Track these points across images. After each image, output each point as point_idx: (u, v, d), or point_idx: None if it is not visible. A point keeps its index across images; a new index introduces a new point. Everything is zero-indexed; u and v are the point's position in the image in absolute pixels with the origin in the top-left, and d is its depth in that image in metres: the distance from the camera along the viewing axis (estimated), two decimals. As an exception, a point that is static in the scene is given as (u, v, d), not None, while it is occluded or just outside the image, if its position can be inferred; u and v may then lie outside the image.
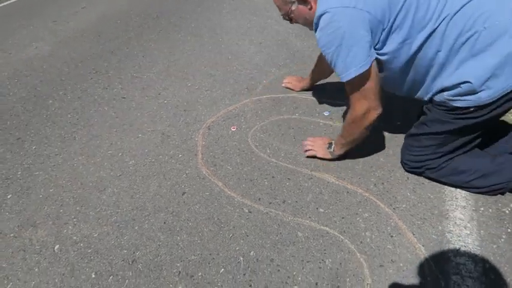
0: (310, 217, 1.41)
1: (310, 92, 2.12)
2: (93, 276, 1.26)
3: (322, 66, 1.90)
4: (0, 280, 1.26)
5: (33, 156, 1.79)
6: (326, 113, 1.95)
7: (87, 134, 1.91)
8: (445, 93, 1.31)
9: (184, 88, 2.24)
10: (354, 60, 1.24)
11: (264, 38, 2.80)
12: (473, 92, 1.22)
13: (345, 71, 1.27)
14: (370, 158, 1.66)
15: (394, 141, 1.74)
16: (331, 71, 1.65)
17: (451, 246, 1.29)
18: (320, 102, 2.04)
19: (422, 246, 1.29)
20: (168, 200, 1.52)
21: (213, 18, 3.21)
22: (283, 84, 2.17)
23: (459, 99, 1.26)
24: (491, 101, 1.21)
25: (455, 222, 1.37)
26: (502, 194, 1.46)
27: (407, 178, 1.55)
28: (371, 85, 1.30)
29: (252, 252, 1.30)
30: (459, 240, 1.31)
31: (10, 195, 1.59)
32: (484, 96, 1.21)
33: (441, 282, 1.18)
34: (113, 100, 2.17)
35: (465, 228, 1.35)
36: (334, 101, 2.03)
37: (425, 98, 1.42)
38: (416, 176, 1.56)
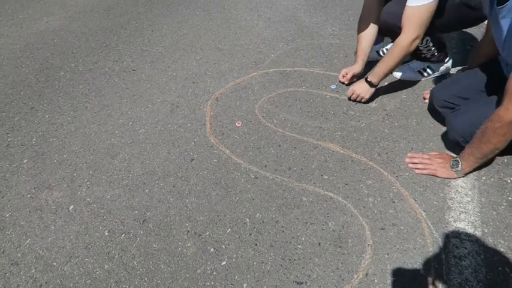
0: (314, 183, 1.45)
1: (318, 66, 2.13)
2: (106, 233, 1.32)
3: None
4: (19, 236, 1.33)
5: (47, 124, 1.84)
6: (333, 86, 1.96)
7: (99, 104, 1.96)
8: None
9: (193, 61, 2.26)
10: None
11: (273, 13, 2.79)
12: None
13: None
14: (375, 129, 1.68)
15: (400, 113, 1.76)
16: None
17: (452, 212, 1.32)
18: (327, 76, 2.05)
19: (424, 211, 1.33)
20: (177, 165, 1.57)
21: (221, -7, 3.20)
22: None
23: None
24: None
25: (457, 190, 1.40)
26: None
27: (411, 149, 1.58)
28: None
29: (257, 215, 1.35)
30: (460, 206, 1.34)
31: (26, 160, 1.65)
32: None
33: (440, 244, 1.22)
34: (123, 72, 2.21)
35: (466, 195, 1.38)
36: (338, 74, 2.03)
37: None
38: (420, 147, 1.58)
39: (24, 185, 1.53)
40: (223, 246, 1.26)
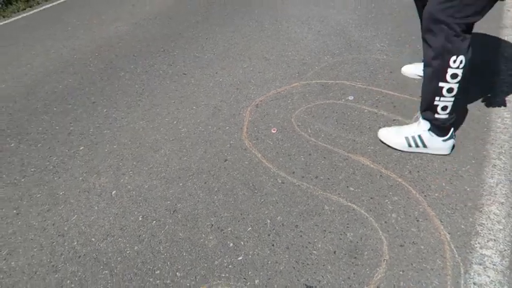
0: (339, 193, 1.48)
1: (360, 80, 2.14)
2: (140, 219, 1.46)
3: None
4: (68, 212, 1.52)
5: (104, 117, 2.06)
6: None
7: (150, 103, 2.14)
8: None
9: (240, 69, 2.38)
10: None
11: (323, 27, 2.84)
12: None
13: None
14: (410, 147, 1.66)
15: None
16: None
17: (479, 239, 1.27)
18: (368, 91, 2.05)
19: (448, 233, 1.29)
20: (211, 164, 1.67)
21: (276, 6, 3.32)
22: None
23: None
24: None
25: (489, 217, 1.34)
26: None
27: (445, 169, 1.54)
28: None
29: (279, 217, 1.40)
30: (489, 233, 1.28)
31: (82, 147, 1.86)
32: None
33: (461, 269, 1.18)
34: (175, 76, 2.39)
35: (498, 223, 1.31)
36: (380, 90, 2.03)
37: None
38: (455, 169, 1.53)
39: (77, 168, 1.73)
40: (242, 243, 1.33)
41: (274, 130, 1.83)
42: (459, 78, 1.40)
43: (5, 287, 1.26)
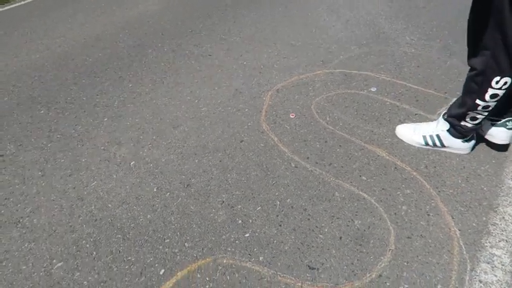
0: (351, 182, 1.48)
1: (385, 73, 2.10)
2: (155, 190, 1.51)
3: None
4: (88, 178, 1.59)
5: (129, 92, 2.12)
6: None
7: (174, 81, 2.19)
8: None
9: (264, 53, 2.39)
10: None
11: (353, 16, 2.79)
12: None
13: None
14: (429, 142, 1.63)
15: (461, 130, 1.68)
16: None
17: (491, 238, 1.25)
18: (392, 83, 2.02)
19: (459, 230, 1.28)
20: (228, 144, 1.70)
21: (307, -7, 3.28)
22: None
23: None
24: None
25: (503, 217, 1.31)
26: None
27: (463, 167, 1.51)
28: None
29: (288, 200, 1.42)
30: (502, 234, 1.26)
31: (106, 119, 1.93)
32: None
33: (467, 266, 1.17)
34: (201, 56, 2.42)
35: (513, 224, 1.29)
36: (404, 83, 1.99)
37: None
38: (473, 167, 1.50)
39: (100, 138, 1.80)
40: (250, 221, 1.36)
41: (292, 115, 1.84)
42: (499, 97, 1.31)
43: (27, 242, 1.34)
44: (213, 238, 1.31)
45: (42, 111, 2.03)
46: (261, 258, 1.24)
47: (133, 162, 1.65)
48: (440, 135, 1.55)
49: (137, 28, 2.86)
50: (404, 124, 1.69)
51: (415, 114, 1.80)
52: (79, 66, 2.42)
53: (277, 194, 1.45)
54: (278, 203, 1.42)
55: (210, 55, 2.42)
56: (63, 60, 2.50)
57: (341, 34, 2.55)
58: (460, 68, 2.08)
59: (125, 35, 2.79)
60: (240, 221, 1.36)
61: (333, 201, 1.40)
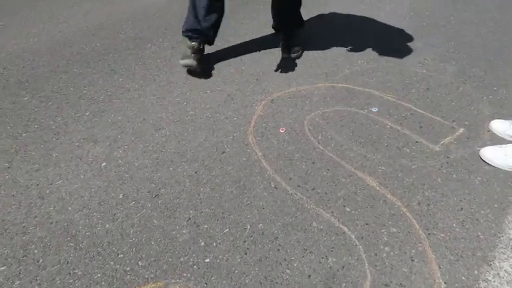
0: (332, 212, 1.34)
1: (391, 92, 1.95)
2: (121, 196, 1.40)
3: None
4: (55, 176, 1.49)
5: (117, 86, 2.02)
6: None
7: (166, 79, 2.08)
8: None
9: (266, 60, 2.26)
10: None
11: (366, 28, 2.64)
12: None
13: None
14: (426, 175, 1.48)
15: (465, 166, 1.52)
16: None
17: (481, 296, 1.10)
18: (396, 105, 1.86)
19: (444, 283, 1.12)
20: (207, 154, 1.58)
21: (320, 0, 3.12)
22: None
23: None
24: None
25: (498, 274, 1.15)
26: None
27: (461, 209, 1.35)
28: None
29: (260, 225, 1.29)
30: (494, 293, 1.10)
31: (88, 113, 1.83)
32: None
33: (448, 328, 1.02)
34: (199, 56, 2.31)
35: (508, 283, 1.13)
36: (409, 106, 1.84)
37: None
38: (472, 210, 1.34)
39: (77, 133, 1.70)
40: (214, 244, 1.23)
41: (282, 130, 1.71)
42: None
43: (-25, 239, 1.25)
44: (170, 259, 1.19)
45: (26, 98, 1.94)
46: (217, 289, 1.11)
47: (105, 163, 1.55)
48: None
49: (141, 20, 2.77)
50: (490, 147, 1.55)
51: (416, 141, 1.64)
52: (74, 54, 2.34)
53: (249, 216, 1.32)
54: (248, 227, 1.29)
55: (209, 56, 2.31)
56: (60, 46, 2.42)
57: (351, 46, 2.39)
58: (473, 96, 1.91)
59: (128, 26, 2.70)
60: (202, 243, 1.24)
61: (308, 232, 1.27)
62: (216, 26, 2.05)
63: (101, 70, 2.17)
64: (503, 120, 1.68)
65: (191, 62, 1.97)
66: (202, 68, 2.06)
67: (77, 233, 1.27)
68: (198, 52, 1.99)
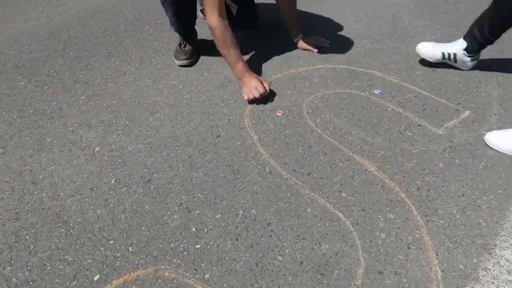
0: (328, 197, 1.30)
1: (394, 74, 1.87)
2: (113, 182, 1.38)
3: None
4: (47, 162, 1.48)
5: (113, 70, 1.99)
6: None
7: (162, 62, 2.03)
8: None
9: (266, 40, 2.19)
10: None
11: (372, 7, 2.53)
12: None
13: None
14: (428, 160, 1.42)
15: (469, 151, 1.45)
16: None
17: (478, 286, 1.05)
18: (399, 87, 1.79)
19: (441, 271, 1.08)
20: (202, 138, 1.55)
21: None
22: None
23: None
24: None
25: (498, 262, 1.11)
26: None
27: (463, 194, 1.30)
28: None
29: (253, 210, 1.26)
30: (492, 282, 1.06)
31: (83, 97, 1.81)
32: None
33: (443, 317, 0.99)
34: (198, 38, 2.24)
35: (508, 272, 1.08)
36: (413, 88, 1.77)
37: None
38: (474, 196, 1.29)
39: (71, 118, 1.68)
40: (206, 230, 1.21)
41: (280, 112, 1.66)
42: None
43: (-32, 224, 1.25)
44: (160, 245, 1.17)
45: (22, 83, 1.92)
46: (206, 276, 1.09)
47: (98, 148, 1.53)
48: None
49: (140, 2, 2.71)
50: (496, 131, 1.49)
51: (418, 125, 1.58)
52: (72, 37, 2.30)
53: (242, 201, 1.29)
54: (241, 212, 1.26)
55: (208, 38, 2.24)
56: (58, 29, 2.39)
57: (353, 27, 2.30)
58: (481, 78, 1.82)
59: (126, 7, 2.64)
60: (194, 229, 1.22)
61: (302, 218, 1.23)
62: (188, 26, 2.04)
63: (97, 53, 2.13)
64: None
65: (187, 62, 1.99)
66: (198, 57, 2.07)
67: (68, 219, 1.26)
68: (188, 53, 2.01)
